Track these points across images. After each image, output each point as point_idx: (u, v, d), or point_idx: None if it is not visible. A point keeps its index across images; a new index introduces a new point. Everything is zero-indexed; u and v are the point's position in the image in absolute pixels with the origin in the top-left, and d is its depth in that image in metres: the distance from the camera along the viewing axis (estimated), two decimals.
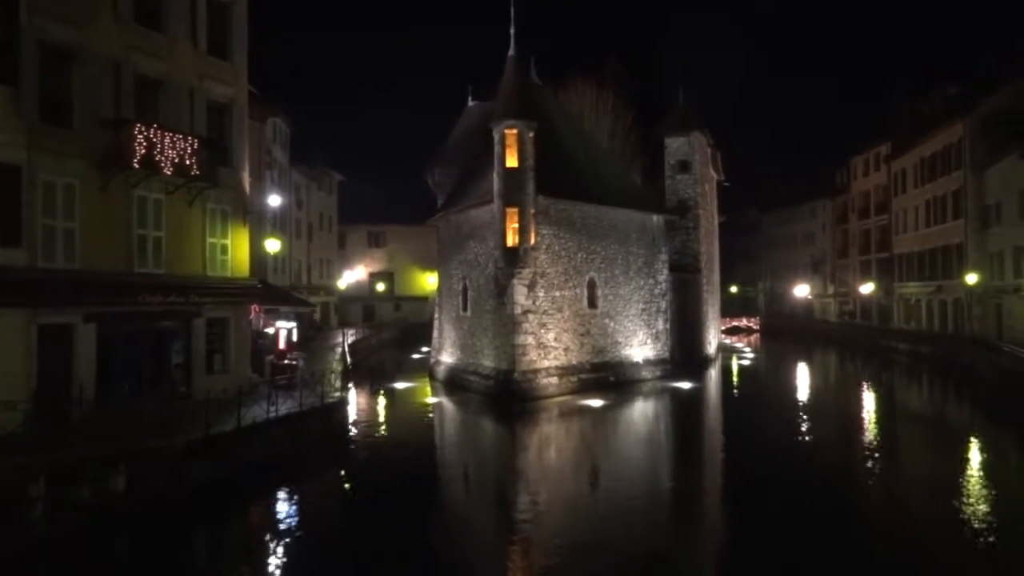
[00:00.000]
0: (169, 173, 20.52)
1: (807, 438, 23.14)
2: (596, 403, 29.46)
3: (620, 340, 35.50)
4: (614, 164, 39.90)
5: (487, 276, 32.94)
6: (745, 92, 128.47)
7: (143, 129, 19.79)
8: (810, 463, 19.83)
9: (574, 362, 32.80)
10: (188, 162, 20.86)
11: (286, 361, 27.27)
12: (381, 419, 27.66)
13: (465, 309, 35.06)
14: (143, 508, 14.81)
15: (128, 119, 19.93)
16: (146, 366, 20.78)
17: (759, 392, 34.69)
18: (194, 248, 22.47)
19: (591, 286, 34.23)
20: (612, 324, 35.17)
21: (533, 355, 31.22)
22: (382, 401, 32.09)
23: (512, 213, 30.57)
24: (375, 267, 71.68)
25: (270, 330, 30.28)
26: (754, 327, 75.46)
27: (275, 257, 43.04)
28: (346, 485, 18.38)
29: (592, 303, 34.19)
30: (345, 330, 44.29)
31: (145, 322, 20.64)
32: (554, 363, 31.95)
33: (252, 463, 17.77)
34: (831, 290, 71.26)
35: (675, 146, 42.14)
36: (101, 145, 19.44)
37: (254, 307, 27.05)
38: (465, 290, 35.16)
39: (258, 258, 33.30)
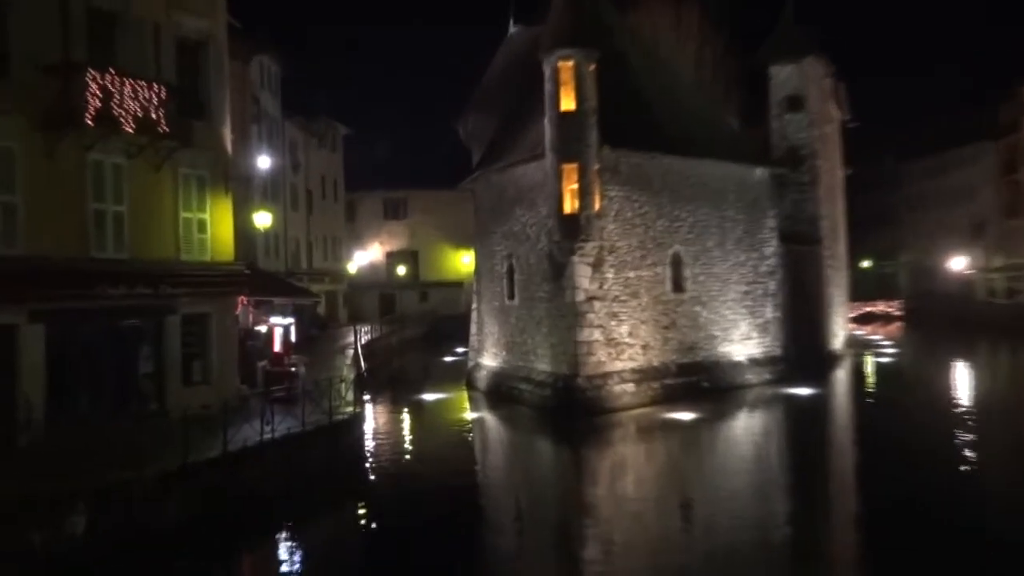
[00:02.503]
0: (131, 131, 20.70)
1: (973, 466, 22.29)
2: (685, 417, 29.50)
3: (716, 333, 35.58)
4: (702, 103, 39.48)
5: (539, 253, 33.10)
6: (875, 1, 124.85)
7: (97, 76, 19.87)
8: (978, 501, 18.97)
9: (655, 363, 32.95)
10: (154, 116, 21.04)
11: (283, 368, 27.60)
12: (406, 441, 28.19)
13: (512, 297, 35.42)
14: (108, 555, 14.88)
15: (78, 64, 19.95)
16: (108, 377, 20.98)
17: (904, 401, 33.84)
18: (164, 226, 22.71)
19: (676, 264, 34.28)
20: (705, 313, 35.27)
21: (601, 355, 31.31)
22: (407, 418, 32.39)
23: (570, 170, 30.58)
24: (394, 245, 72.36)
25: (262, 328, 30.59)
26: (894, 313, 73.86)
27: (266, 235, 43.76)
28: (364, 522, 18.62)
29: (678, 286, 34.27)
30: (357, 327, 44.65)
31: (105, 321, 20.82)
32: (629, 365, 32.09)
33: (244, 497, 17.93)
34: (997, 262, 69.04)
35: (782, 77, 41.31)
36: (45, 98, 19.47)
37: (241, 299, 27.29)
38: (511, 272, 35.47)
39: (245, 236, 33.70)
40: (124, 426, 18.40)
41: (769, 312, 37.81)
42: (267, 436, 19.63)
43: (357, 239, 70.43)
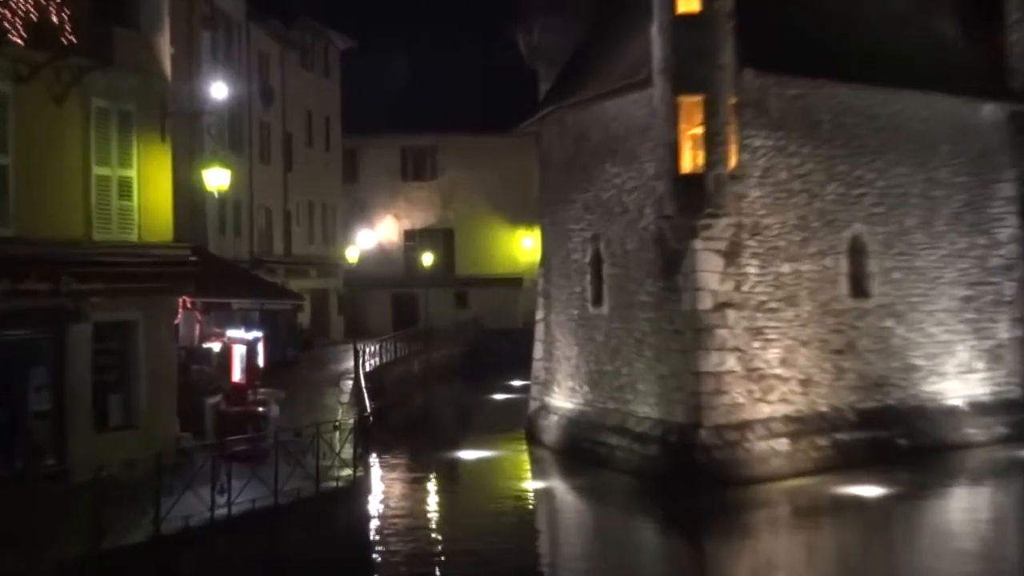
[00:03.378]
0: (20, 42, 20.68)
1: None
2: (870, 493, 29.44)
3: (918, 363, 35.60)
4: (899, 3, 38.82)
5: (642, 235, 33.28)
6: None
7: None
8: None
9: (822, 408, 32.97)
10: (55, 20, 20.98)
11: (246, 407, 27.70)
12: (432, 525, 28.17)
13: (598, 302, 35.68)
14: None
15: None
16: None
17: None
18: (69, 187, 22.69)
19: (856, 253, 34.31)
20: (901, 330, 35.32)
21: (738, 394, 31.33)
22: (435, 488, 32.59)
23: (691, 107, 30.50)
24: (417, 220, 72.57)
25: (214, 347, 30.68)
26: None
27: (222, 202, 43.69)
28: None
29: (859, 288, 34.36)
30: (360, 345, 44.57)
31: None
32: (781, 410, 32.13)
33: None
34: None
35: None
36: None
37: (184, 301, 27.30)
38: (597, 264, 35.68)
39: (191, 205, 33.72)
40: (3, 492, 18.47)
41: (1004, 330, 37.43)
42: (221, 512, 19.54)
43: (360, 210, 70.75)
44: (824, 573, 23.97)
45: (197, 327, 30.79)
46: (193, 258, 26.34)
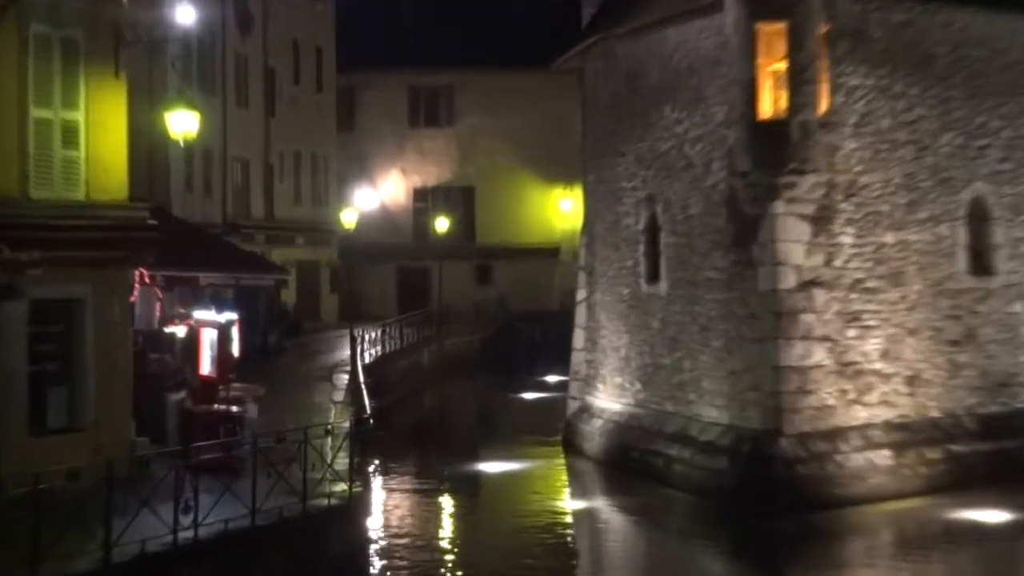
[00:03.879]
0: None
1: None
2: (993, 518, 29.39)
3: None
4: None
5: (708, 195, 33.35)
6: None
7: None
8: None
9: (934, 412, 32.99)
10: None
11: (218, 406, 27.73)
12: (446, 553, 27.96)
13: (654, 279, 35.84)
14: None
15: None
16: None
17: None
18: (1, 133, 22.78)
19: (977, 219, 34.33)
20: None
21: (828, 394, 31.27)
22: (449, 508, 32.57)
23: (770, 35, 30.58)
24: (429, 176, 72.71)
25: (179, 331, 30.82)
26: None
27: (189, 153, 44.21)
28: None
29: (981, 263, 34.43)
30: (358, 330, 44.68)
31: None
32: (881, 415, 32.11)
33: None
34: None
35: None
36: None
37: (141, 275, 27.45)
38: (653, 231, 35.90)
39: (150, 157, 33.96)
40: None
41: None
42: (186, 535, 19.43)
43: (359, 163, 70.88)
44: None
45: (157, 307, 31.03)
46: (153, 222, 26.21)
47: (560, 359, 43.92)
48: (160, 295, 31.05)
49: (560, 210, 69.83)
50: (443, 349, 58.31)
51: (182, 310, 32.06)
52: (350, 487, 24.05)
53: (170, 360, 29.53)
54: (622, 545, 30.00)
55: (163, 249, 27.19)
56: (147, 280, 28.91)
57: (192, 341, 29.93)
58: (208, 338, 29.20)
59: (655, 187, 35.45)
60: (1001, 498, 30.21)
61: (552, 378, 50.53)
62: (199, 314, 31.29)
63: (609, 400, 37.37)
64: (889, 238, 32.45)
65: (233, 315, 31.74)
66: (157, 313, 30.80)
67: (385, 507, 30.32)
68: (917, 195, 33.02)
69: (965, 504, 29.94)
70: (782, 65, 30.41)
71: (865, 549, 28.03)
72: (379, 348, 49.21)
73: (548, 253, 69.59)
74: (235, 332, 30.61)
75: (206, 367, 28.96)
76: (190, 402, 27.91)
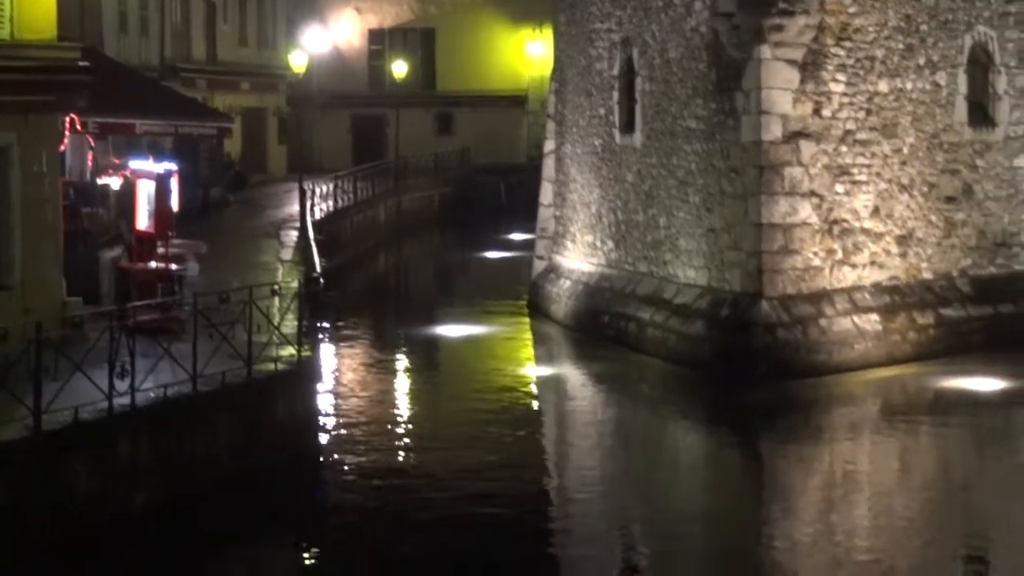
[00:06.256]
0: None
1: None
2: (987, 387, 29.84)
3: None
4: None
5: (688, 38, 33.28)
6: None
7: None
8: None
9: (926, 274, 33.48)
10: None
11: (156, 264, 27.73)
12: (400, 424, 28.31)
13: (629, 129, 35.93)
14: None
15: None
16: None
17: None
18: None
19: (978, 66, 34.42)
20: None
21: (814, 254, 31.41)
22: (405, 374, 33.03)
23: None
24: (386, 15, 72.69)
25: (113, 182, 30.75)
26: None
27: None
28: None
29: (980, 114, 34.55)
30: (308, 184, 44.44)
31: None
32: (870, 277, 32.41)
33: (75, 519, 18.33)
34: None
35: None
36: None
37: (72, 121, 27.46)
38: (628, 75, 35.99)
39: None
40: None
41: None
42: (122, 401, 19.70)
43: (310, 1, 71.16)
44: (922, 492, 23.21)
45: (90, 156, 31.17)
46: (84, 63, 26.07)
47: (526, 216, 45.21)
48: (92, 144, 31.63)
49: (528, 54, 70.49)
50: (400, 205, 59.17)
51: (116, 160, 32.63)
52: (299, 351, 24.43)
53: (103, 214, 30.02)
54: (590, 414, 30.37)
55: (95, 93, 27.67)
56: (78, 127, 29.11)
57: (127, 194, 30.11)
58: (145, 190, 29.26)
59: (631, 29, 35.38)
60: (995, 366, 30.83)
61: (517, 236, 51.53)
62: (135, 164, 31.57)
63: (578, 260, 37.79)
64: (883, 86, 32.40)
65: (172, 166, 32.18)
66: (89, 164, 31.15)
67: (336, 373, 30.94)
68: (914, 39, 32.97)
69: (957, 372, 30.60)
70: None
71: (848, 420, 28.63)
72: (331, 203, 49.87)
73: (514, 101, 70.36)
74: (174, 184, 30.81)
75: (143, 222, 29.11)
76: (126, 259, 28.27)
